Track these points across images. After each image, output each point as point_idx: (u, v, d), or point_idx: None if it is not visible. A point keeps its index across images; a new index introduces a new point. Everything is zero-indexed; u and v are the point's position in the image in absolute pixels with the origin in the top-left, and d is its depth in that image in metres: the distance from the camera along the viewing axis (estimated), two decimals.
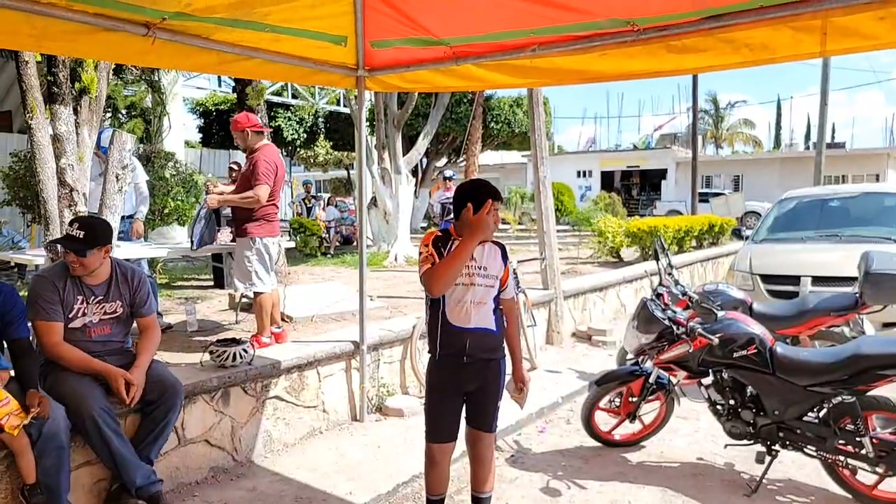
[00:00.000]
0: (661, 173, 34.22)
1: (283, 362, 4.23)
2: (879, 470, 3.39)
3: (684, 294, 4.44)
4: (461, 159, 18.54)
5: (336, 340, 4.75)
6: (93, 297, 3.29)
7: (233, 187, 5.43)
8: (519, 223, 19.69)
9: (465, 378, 2.90)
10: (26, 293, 3.28)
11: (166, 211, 9.19)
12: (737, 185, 31.92)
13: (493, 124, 20.44)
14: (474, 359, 2.87)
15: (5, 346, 3.06)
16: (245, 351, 4.02)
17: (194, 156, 16.81)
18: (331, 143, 23.91)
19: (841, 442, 3.47)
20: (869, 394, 3.45)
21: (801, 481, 3.81)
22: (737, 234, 8.59)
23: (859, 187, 9.10)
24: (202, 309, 6.54)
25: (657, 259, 4.75)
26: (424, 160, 20.53)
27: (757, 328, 3.76)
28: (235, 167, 9.42)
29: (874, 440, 3.38)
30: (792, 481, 3.82)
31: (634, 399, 4.23)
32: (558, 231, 8.58)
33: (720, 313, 3.92)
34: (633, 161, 35.88)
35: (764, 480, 3.70)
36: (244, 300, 6.18)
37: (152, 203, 7.45)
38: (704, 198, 23.90)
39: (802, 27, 2.76)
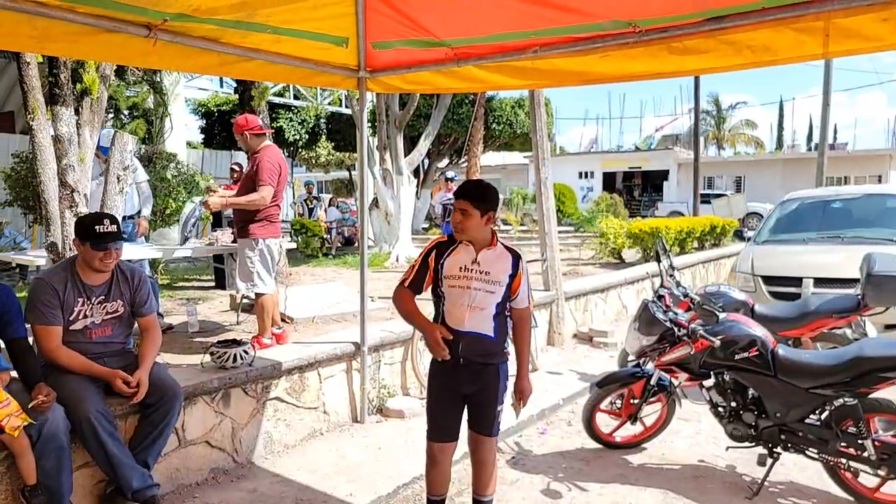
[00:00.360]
0: (663, 174, 34.18)
1: (283, 363, 4.23)
2: (881, 472, 3.39)
3: (686, 296, 4.43)
4: (463, 160, 18.53)
5: (337, 342, 4.75)
6: (94, 298, 3.29)
7: (234, 191, 5.43)
8: (521, 224, 19.67)
9: (462, 380, 2.90)
10: (26, 295, 3.28)
11: (168, 212, 9.21)
12: (739, 187, 31.88)
13: (494, 125, 20.42)
14: (469, 361, 2.87)
15: (3, 346, 3.07)
16: (246, 352, 4.02)
17: (196, 157, 16.82)
18: (332, 144, 23.91)
19: (843, 444, 3.46)
20: (871, 396, 3.44)
21: (802, 484, 3.81)
22: (738, 235, 8.60)
23: (862, 189, 9.09)
24: (203, 310, 6.54)
25: (659, 260, 4.74)
26: (426, 161, 20.53)
27: (759, 330, 3.75)
28: (237, 168, 9.44)
29: (876, 443, 3.38)
30: (794, 484, 3.81)
31: (636, 401, 4.22)
32: (560, 232, 8.58)
33: (722, 315, 3.91)
34: (635, 162, 35.84)
35: (765, 483, 3.69)
36: (245, 301, 6.18)
37: (154, 204, 7.45)
38: (706, 199, 23.89)
39: (804, 28, 2.76)
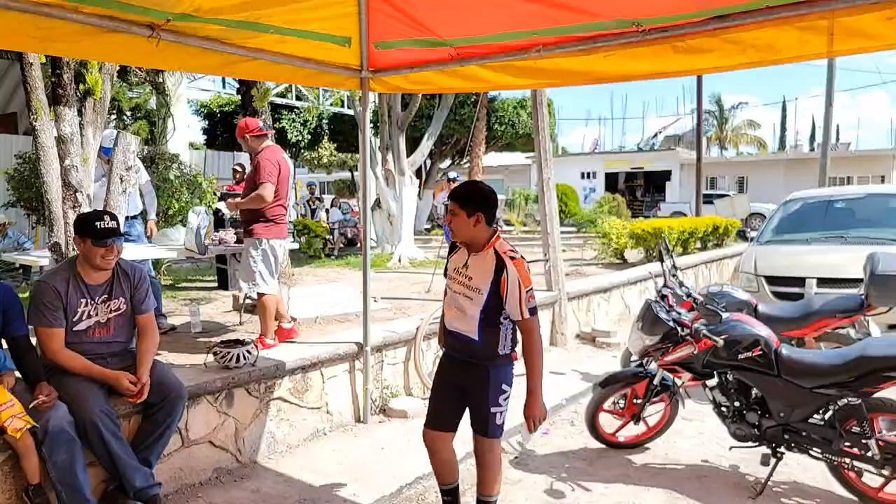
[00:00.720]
0: (666, 175, 34.12)
1: (286, 363, 4.23)
2: (885, 472, 3.38)
3: (689, 295, 4.42)
4: (465, 161, 18.51)
5: (340, 342, 4.75)
6: (97, 297, 3.29)
7: (237, 192, 5.44)
8: (523, 225, 19.66)
9: (455, 372, 3.02)
10: (29, 296, 3.28)
11: (170, 212, 9.22)
12: (741, 187, 31.82)
13: (496, 126, 20.39)
14: (458, 355, 3.00)
15: (6, 347, 3.07)
16: (249, 352, 4.03)
17: (199, 157, 16.84)
18: (335, 145, 23.88)
19: (846, 444, 3.45)
20: (875, 396, 3.43)
21: (806, 484, 3.80)
22: (741, 235, 8.58)
23: (865, 189, 9.08)
24: (206, 310, 6.54)
25: (661, 260, 4.73)
26: (428, 162, 20.51)
27: (762, 330, 3.74)
28: (239, 168, 9.48)
29: (880, 442, 3.37)
30: (797, 484, 3.80)
31: (639, 401, 4.22)
32: (562, 232, 8.57)
33: (725, 315, 3.90)
34: (638, 162, 35.79)
35: (769, 483, 3.69)
36: (248, 301, 6.18)
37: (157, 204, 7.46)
38: (709, 199, 23.78)
39: (809, 27, 2.75)
